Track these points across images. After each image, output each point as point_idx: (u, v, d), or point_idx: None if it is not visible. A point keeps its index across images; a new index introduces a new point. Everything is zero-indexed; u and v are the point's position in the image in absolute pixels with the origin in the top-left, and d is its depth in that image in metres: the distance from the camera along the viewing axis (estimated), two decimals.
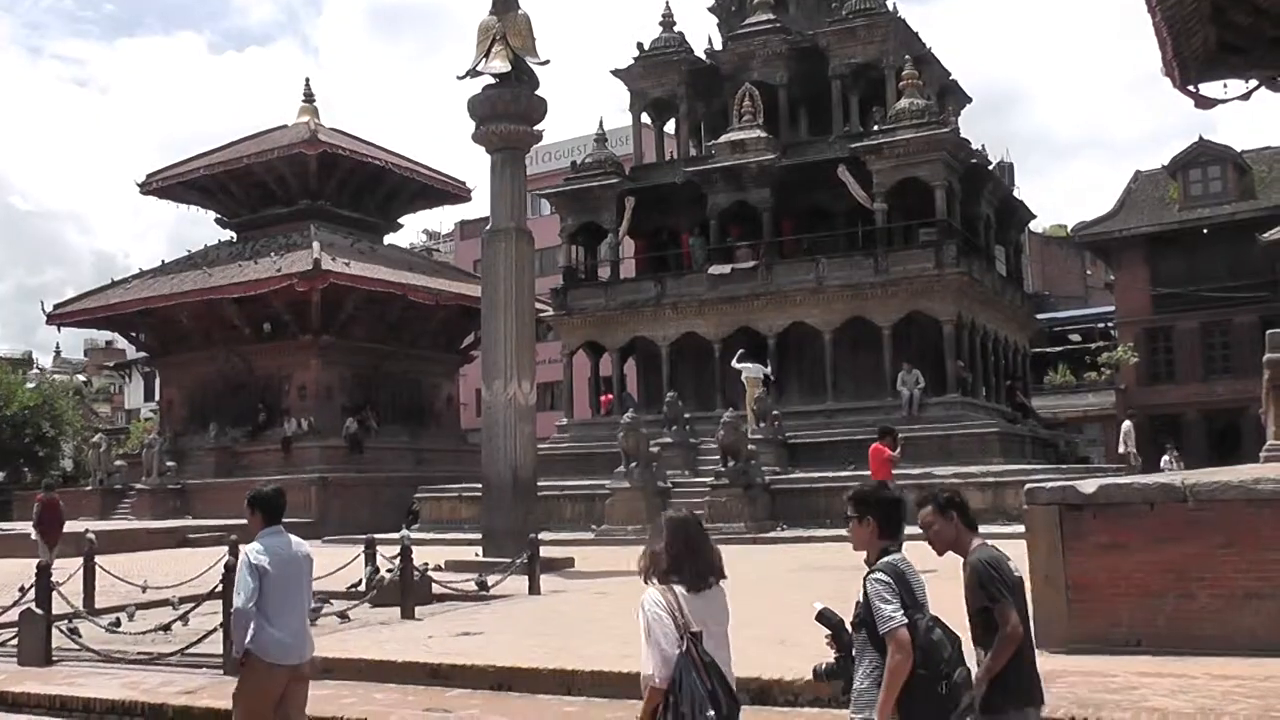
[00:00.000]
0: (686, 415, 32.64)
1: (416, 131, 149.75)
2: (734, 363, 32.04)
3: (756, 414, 30.86)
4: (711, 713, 4.75)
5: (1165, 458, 34.78)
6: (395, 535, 19.41)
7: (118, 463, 44.28)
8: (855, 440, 30.79)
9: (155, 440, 42.23)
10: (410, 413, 46.60)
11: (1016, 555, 10.18)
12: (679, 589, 4.93)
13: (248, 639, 6.93)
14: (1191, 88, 16.79)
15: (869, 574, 5.07)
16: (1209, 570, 8.77)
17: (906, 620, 4.83)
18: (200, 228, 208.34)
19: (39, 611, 12.21)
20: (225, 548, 16.12)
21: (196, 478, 40.33)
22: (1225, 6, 14.80)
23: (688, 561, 4.99)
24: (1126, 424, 36.13)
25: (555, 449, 34.71)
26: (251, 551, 7.04)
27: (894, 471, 22.80)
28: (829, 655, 5.30)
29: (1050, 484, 9.76)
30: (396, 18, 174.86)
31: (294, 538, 7.32)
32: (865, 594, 5.02)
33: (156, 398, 51.82)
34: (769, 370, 32.16)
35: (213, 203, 48.39)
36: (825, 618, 5.17)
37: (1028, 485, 9.78)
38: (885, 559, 5.08)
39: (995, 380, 37.38)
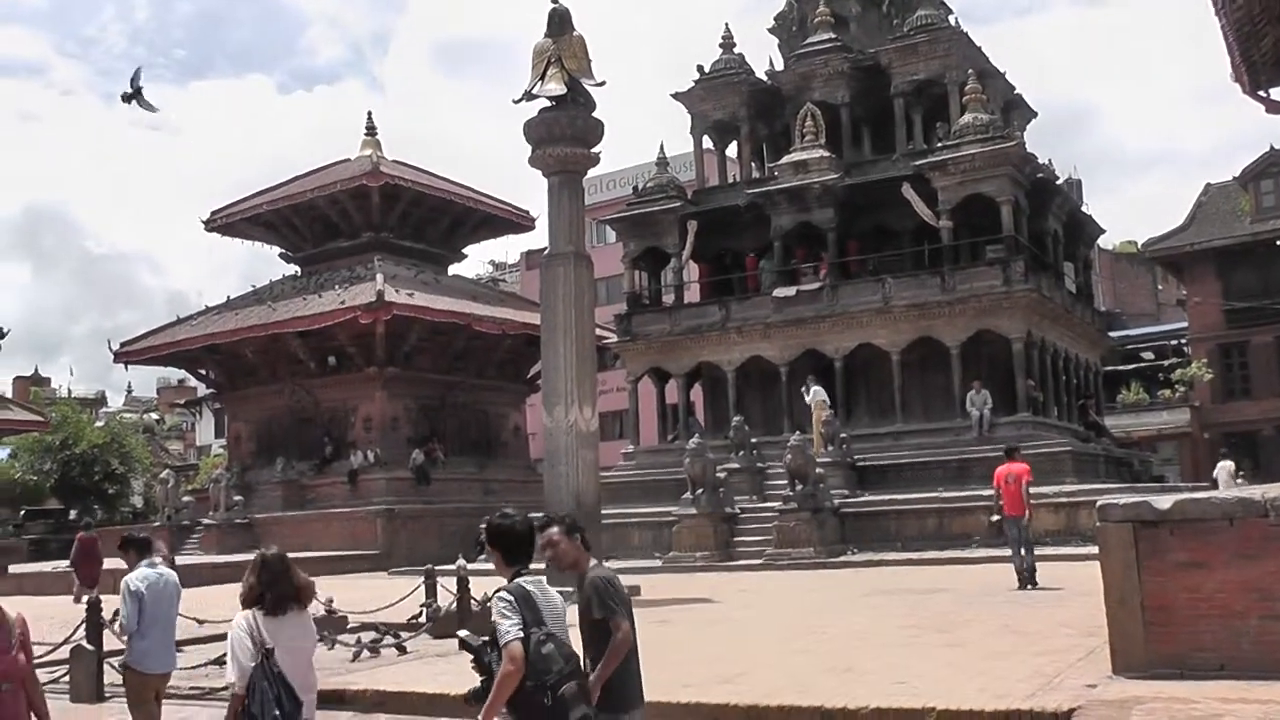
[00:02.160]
0: (753, 440, 32.29)
1: (481, 164, 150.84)
2: (803, 389, 31.84)
3: (824, 437, 30.51)
4: (277, 712, 5.90)
5: (1219, 467, 32.29)
6: (457, 566, 19.22)
7: (185, 498, 44.45)
8: (924, 462, 30.49)
9: (223, 475, 42.39)
10: (477, 443, 46.49)
11: (1092, 575, 9.83)
12: (259, 614, 6.14)
13: (128, 654, 8.47)
14: (1262, 92, 16.36)
15: (495, 594, 5.55)
16: None
17: (521, 635, 5.23)
18: (272, 265, 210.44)
19: (90, 647, 12.10)
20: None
21: (264, 511, 40.36)
22: None
23: (268, 591, 6.20)
24: (1228, 465, 32.48)
25: (622, 476, 34.48)
26: (131, 581, 8.42)
27: (957, 493, 22.30)
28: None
29: (1125, 500, 9.35)
30: (461, 52, 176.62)
31: (164, 569, 8.74)
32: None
33: (225, 433, 52.15)
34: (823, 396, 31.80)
35: (277, 238, 48.62)
36: (465, 644, 5.49)
37: (1101, 502, 9.37)
38: (515, 580, 5.52)
39: (1067, 399, 36.72)
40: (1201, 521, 8.66)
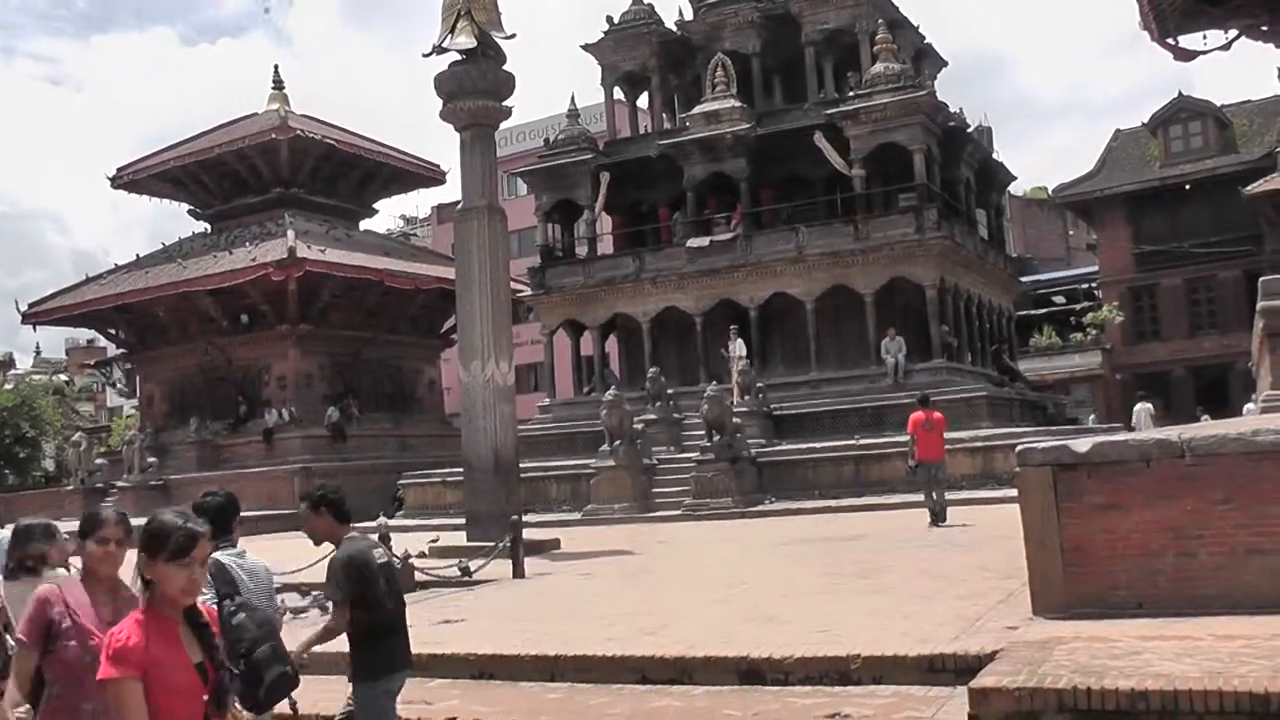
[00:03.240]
0: (670, 391, 32.33)
1: (393, 119, 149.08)
2: (728, 343, 32.02)
3: (741, 387, 30.59)
4: None
5: (1137, 409, 33.18)
6: (376, 523, 19.09)
7: (99, 461, 43.84)
8: (840, 410, 30.70)
9: (136, 437, 41.85)
10: (393, 399, 46.22)
11: (1009, 518, 9.92)
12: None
13: None
14: (1170, 40, 16.49)
15: None
16: (1209, 527, 8.44)
17: (213, 607, 5.13)
18: (181, 222, 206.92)
19: None
20: None
21: (179, 473, 39.87)
22: None
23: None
24: (1147, 406, 33.08)
25: (539, 429, 34.39)
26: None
27: (874, 440, 22.83)
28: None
29: (1043, 444, 9.41)
30: (369, 4, 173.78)
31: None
32: None
33: (137, 394, 51.37)
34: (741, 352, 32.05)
35: (185, 194, 47.82)
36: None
37: (1020, 446, 9.42)
38: (211, 554, 5.36)
39: (981, 345, 37.10)
40: (1119, 464, 8.72)
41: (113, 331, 48.07)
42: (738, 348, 31.86)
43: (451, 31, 21.99)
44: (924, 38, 39.34)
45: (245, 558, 5.81)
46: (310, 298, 41.48)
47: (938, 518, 19.51)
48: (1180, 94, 48.17)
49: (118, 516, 4.88)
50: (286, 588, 15.58)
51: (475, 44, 21.93)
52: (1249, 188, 40.12)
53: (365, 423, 42.85)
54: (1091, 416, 42.57)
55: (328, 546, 6.26)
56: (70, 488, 42.83)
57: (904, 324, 32.27)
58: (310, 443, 40.10)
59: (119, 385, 52.38)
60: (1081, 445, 9.00)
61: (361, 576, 5.96)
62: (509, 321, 22.91)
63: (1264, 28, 16.17)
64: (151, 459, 39.89)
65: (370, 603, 6.01)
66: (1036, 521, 8.90)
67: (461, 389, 22.67)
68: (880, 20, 34.78)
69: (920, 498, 20.58)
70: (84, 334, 76.77)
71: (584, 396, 36.81)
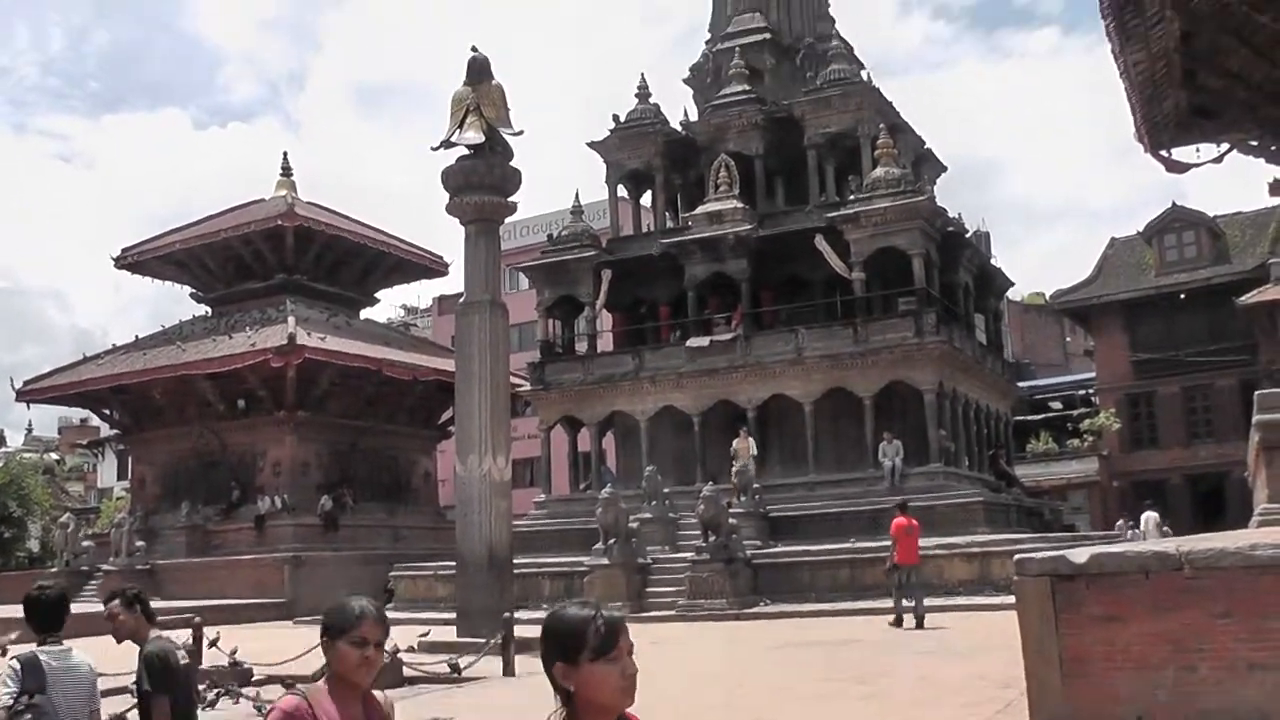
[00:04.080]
0: (666, 490, 32.19)
1: (397, 206, 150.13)
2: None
3: (737, 487, 30.50)
4: None
5: (1144, 517, 33.03)
6: None
7: (85, 543, 43.35)
8: (837, 513, 30.60)
9: (125, 519, 41.44)
10: (387, 489, 46.04)
11: (1006, 626, 9.86)
12: None
13: None
14: (1164, 152, 16.66)
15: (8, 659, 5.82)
16: (1209, 641, 8.40)
17: (10, 703, 5.42)
18: (182, 304, 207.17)
19: None
20: (189, 631, 15.63)
21: (167, 558, 39.56)
22: (1196, 70, 14.68)
23: None
24: (1153, 515, 32.72)
25: (534, 525, 34.27)
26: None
27: (870, 544, 23.33)
28: None
29: (1041, 554, 9.38)
30: (379, 93, 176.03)
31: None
32: None
33: (129, 476, 51.15)
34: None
35: (188, 277, 48.03)
36: None
37: (1018, 556, 9.39)
38: (31, 650, 5.78)
39: (978, 449, 37.10)
40: (1117, 575, 8.70)
41: (108, 412, 47.96)
42: (750, 445, 31.83)
43: (460, 126, 22.22)
44: (924, 142, 39.79)
45: (69, 656, 5.90)
46: (309, 385, 41.47)
47: (905, 620, 20.77)
48: (1174, 204, 48.87)
49: (377, 613, 4.02)
50: (270, 679, 15.46)
51: (483, 139, 22.16)
52: (1243, 298, 40.40)
53: (359, 512, 42.64)
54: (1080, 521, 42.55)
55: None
56: (54, 570, 42.38)
57: (902, 427, 32.27)
58: (302, 531, 39.86)
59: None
60: (1079, 556, 8.98)
61: (170, 672, 6.02)
62: (508, 417, 22.92)
63: (1254, 142, 16.36)
64: (140, 543, 39.50)
65: (171, 701, 6.05)
66: (1034, 631, 8.86)
67: (457, 482, 22.60)
68: (881, 125, 35.18)
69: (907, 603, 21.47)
70: (78, 413, 76.55)
71: (580, 493, 36.71)
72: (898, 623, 21.20)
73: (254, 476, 42.24)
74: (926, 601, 21.53)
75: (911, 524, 21.83)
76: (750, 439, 32.15)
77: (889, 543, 23.43)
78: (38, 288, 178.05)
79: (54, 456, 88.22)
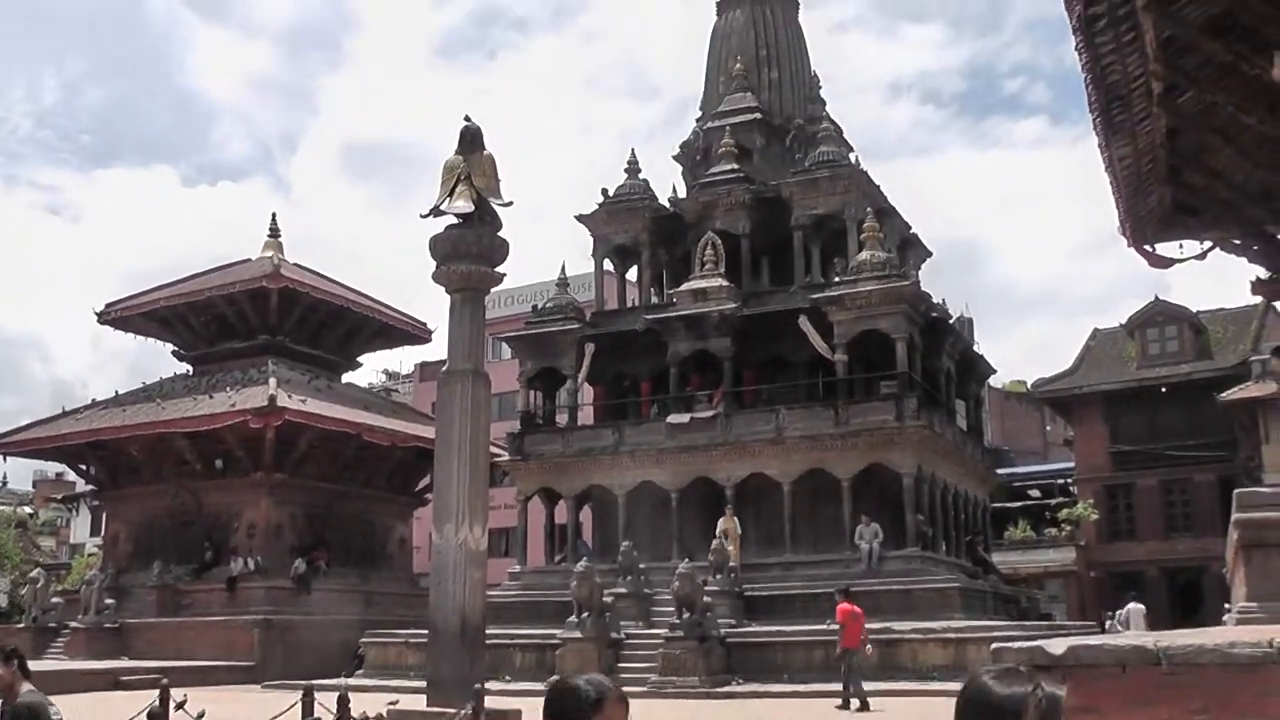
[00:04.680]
0: (642, 565, 32.04)
1: (382, 269, 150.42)
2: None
3: (713, 565, 30.39)
4: None
5: (1129, 609, 32.72)
6: (336, 682, 18.76)
7: (55, 599, 42.91)
8: (813, 593, 30.45)
9: (96, 576, 41.06)
10: (361, 554, 45.71)
11: None
12: None
13: None
14: (1147, 247, 16.80)
15: None
16: None
17: None
18: (163, 360, 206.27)
19: None
20: (157, 692, 15.44)
21: (136, 616, 39.14)
22: (1180, 167, 14.85)
23: None
24: (1139, 607, 32.45)
25: (508, 596, 34.06)
26: None
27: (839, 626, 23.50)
28: None
29: (1018, 643, 9.33)
30: (370, 156, 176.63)
31: None
32: None
33: (102, 532, 50.71)
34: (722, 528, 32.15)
35: (171, 334, 47.93)
36: None
37: (994, 645, 9.33)
38: None
39: (955, 534, 37.05)
40: (1094, 667, 8.64)
41: (84, 467, 47.63)
42: (735, 525, 31.81)
43: (450, 194, 22.22)
44: (909, 226, 40.09)
45: None
46: (287, 447, 41.30)
47: (850, 701, 21.66)
48: (1157, 298, 49.25)
49: (617, 692, 3.29)
50: None
51: (473, 209, 22.19)
52: (1224, 394, 40.58)
53: (332, 576, 42.30)
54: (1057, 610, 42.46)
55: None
56: (21, 625, 41.95)
57: (880, 510, 32.23)
58: (274, 593, 39.52)
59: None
60: (1057, 647, 8.92)
61: None
62: (486, 487, 22.77)
63: (1236, 241, 16.52)
64: (110, 600, 39.13)
65: None
66: None
67: (433, 550, 22.41)
68: (868, 208, 35.47)
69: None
70: (54, 466, 76.02)
71: (555, 565, 36.52)
72: (845, 705, 21.87)
73: (228, 537, 41.92)
74: (900, 685, 21.73)
75: (855, 610, 23.06)
76: (735, 519, 32.10)
77: (868, 625, 23.60)
78: (19, 338, 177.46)
79: (27, 510, 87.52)
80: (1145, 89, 12.30)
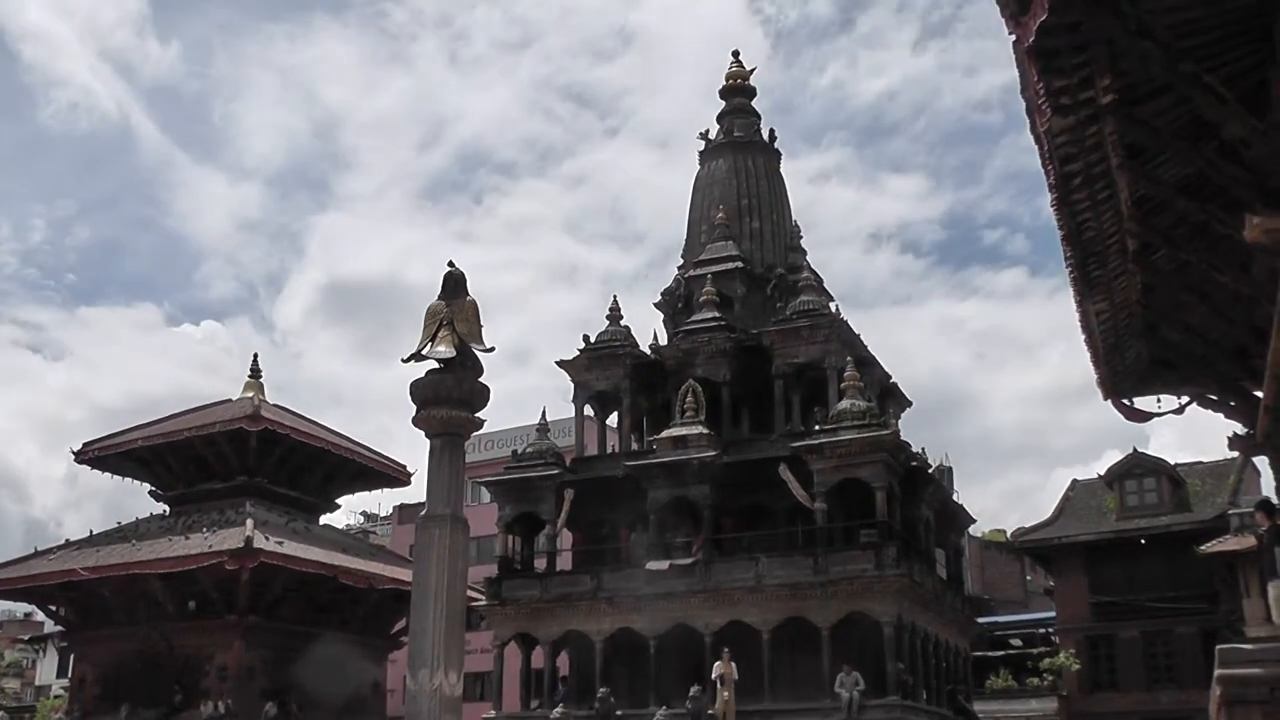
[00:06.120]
0: (619, 711, 31.75)
1: (362, 410, 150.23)
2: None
3: (690, 713, 30.05)
4: None
5: None
6: None
7: None
8: None
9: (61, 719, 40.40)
10: (334, 697, 44.92)
11: None
12: None
13: None
14: (1125, 401, 16.99)
15: None
16: None
17: None
18: (139, 499, 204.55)
19: None
20: None
21: None
22: (1157, 323, 15.07)
23: None
24: None
25: None
26: None
27: None
28: None
29: None
30: (353, 297, 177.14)
31: None
32: None
33: (70, 674, 49.88)
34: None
35: (148, 474, 47.64)
36: None
37: None
38: None
39: (936, 683, 36.71)
40: None
41: (54, 608, 46.93)
42: (733, 670, 31.29)
43: (433, 339, 22.31)
44: (889, 376, 40.35)
45: None
46: (262, 589, 40.85)
47: None
48: (1135, 450, 49.42)
49: None
50: None
51: (454, 354, 22.30)
52: (1203, 547, 40.55)
53: None
54: None
55: None
56: None
57: (860, 659, 31.95)
58: None
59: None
60: None
61: None
62: (462, 633, 22.51)
63: (1213, 397, 16.72)
64: None
65: None
66: None
67: (407, 696, 22.03)
68: (849, 357, 35.73)
69: None
70: (22, 606, 74.99)
71: (531, 711, 36.06)
72: None
73: (199, 680, 41.20)
74: None
75: None
76: (732, 664, 31.60)
77: None
78: None
79: None
80: (1120, 246, 12.54)
